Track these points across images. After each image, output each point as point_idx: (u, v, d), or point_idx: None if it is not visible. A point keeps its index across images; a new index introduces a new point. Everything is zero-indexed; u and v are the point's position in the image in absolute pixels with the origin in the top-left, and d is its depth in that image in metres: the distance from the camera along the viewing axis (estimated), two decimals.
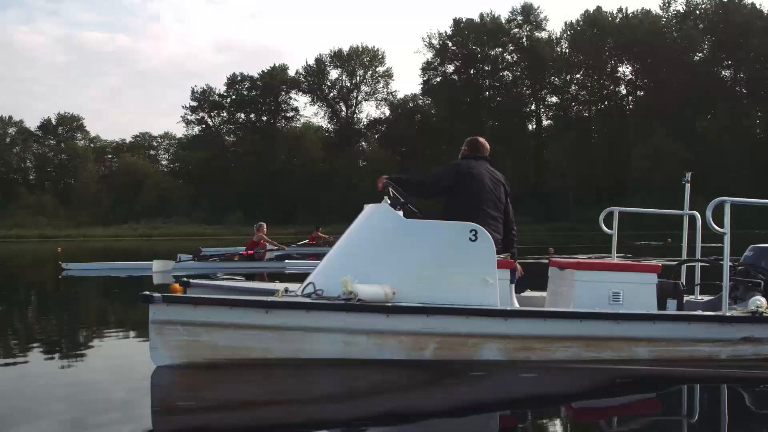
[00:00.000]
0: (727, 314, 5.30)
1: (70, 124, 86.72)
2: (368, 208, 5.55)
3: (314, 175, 73.41)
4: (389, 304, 4.91)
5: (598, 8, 71.00)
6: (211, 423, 3.93)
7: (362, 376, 4.85)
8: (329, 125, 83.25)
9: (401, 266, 5.15)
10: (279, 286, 6.02)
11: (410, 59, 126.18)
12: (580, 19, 71.81)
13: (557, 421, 4.08)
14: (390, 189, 5.59)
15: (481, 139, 6.09)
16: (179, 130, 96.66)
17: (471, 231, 5.15)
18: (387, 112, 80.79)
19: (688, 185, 6.89)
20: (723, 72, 68.87)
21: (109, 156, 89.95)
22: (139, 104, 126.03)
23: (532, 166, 70.20)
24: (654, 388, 4.86)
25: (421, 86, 78.34)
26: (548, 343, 5.09)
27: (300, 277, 6.42)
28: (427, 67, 76.35)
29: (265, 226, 17.05)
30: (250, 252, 16.15)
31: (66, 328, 7.77)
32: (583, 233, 41.84)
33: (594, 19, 70.32)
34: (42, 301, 11.32)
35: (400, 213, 5.36)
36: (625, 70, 71.70)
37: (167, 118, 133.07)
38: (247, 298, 5.04)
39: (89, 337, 6.92)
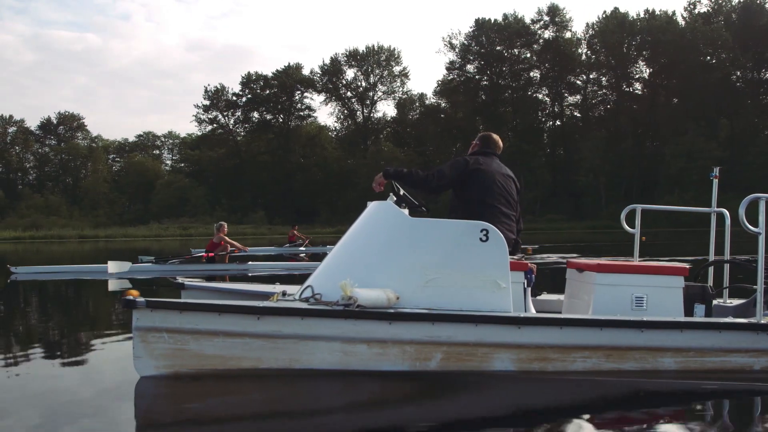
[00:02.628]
0: (762, 321, 4.87)
1: (70, 123, 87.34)
2: (371, 206, 5.17)
3: (332, 174, 73.41)
4: (391, 311, 4.54)
5: (616, 9, 71.51)
6: None
7: (362, 389, 4.50)
8: (344, 124, 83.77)
9: (405, 269, 4.77)
10: (277, 289, 5.66)
11: (422, 58, 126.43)
12: (601, 19, 72.09)
13: None
14: (394, 184, 5.20)
15: (495, 136, 5.71)
16: (183, 129, 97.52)
17: (482, 230, 4.76)
18: (405, 112, 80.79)
19: (715, 181, 6.45)
20: (748, 73, 68.34)
21: (112, 156, 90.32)
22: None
23: (561, 164, 69.93)
24: (680, 402, 4.44)
25: (438, 86, 79.07)
26: (565, 353, 4.69)
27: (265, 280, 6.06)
28: (451, 67, 76.79)
29: (225, 226, 16.03)
30: (210, 254, 15.32)
31: (46, 334, 7.37)
32: (617, 231, 41.36)
33: (620, 20, 70.30)
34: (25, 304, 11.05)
35: (405, 211, 4.97)
36: (651, 69, 71.25)
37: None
38: (237, 303, 4.67)
39: (70, 344, 6.58)
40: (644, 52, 70.29)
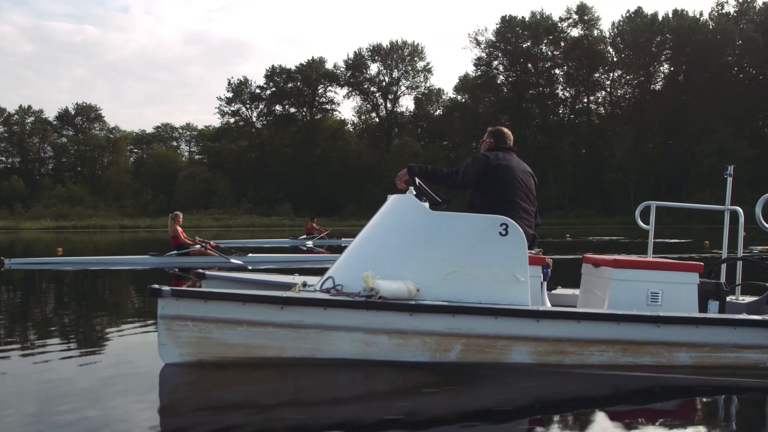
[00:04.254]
0: None
1: (87, 114, 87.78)
2: (392, 199, 5.23)
3: (355, 168, 74.37)
4: (413, 303, 4.60)
5: (639, 8, 72.54)
6: (221, 424, 3.67)
7: (382, 379, 4.57)
8: (361, 118, 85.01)
9: (426, 261, 4.84)
10: (297, 279, 5.73)
11: (440, 54, 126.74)
12: (625, 17, 72.96)
13: (587, 431, 3.74)
14: (416, 179, 5.27)
15: (505, 129, 5.76)
16: (201, 122, 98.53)
17: (501, 225, 4.83)
18: (423, 107, 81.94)
19: (730, 179, 6.50)
20: None
21: (130, 147, 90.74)
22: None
23: (590, 161, 70.72)
24: (695, 397, 4.51)
25: (459, 81, 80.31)
26: (583, 346, 4.76)
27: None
28: (478, 63, 77.78)
29: (181, 217, 15.16)
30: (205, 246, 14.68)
31: (67, 323, 7.48)
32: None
33: (648, 19, 71.06)
34: (43, 293, 11.13)
35: (426, 204, 5.03)
36: (678, 68, 71.38)
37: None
38: (261, 293, 4.75)
39: (94, 331, 6.67)
40: (666, 52, 70.84)
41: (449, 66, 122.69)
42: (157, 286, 4.51)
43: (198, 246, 14.65)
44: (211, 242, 15.05)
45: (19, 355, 5.31)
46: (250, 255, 15.53)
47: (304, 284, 5.21)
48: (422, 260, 4.84)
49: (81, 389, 4.25)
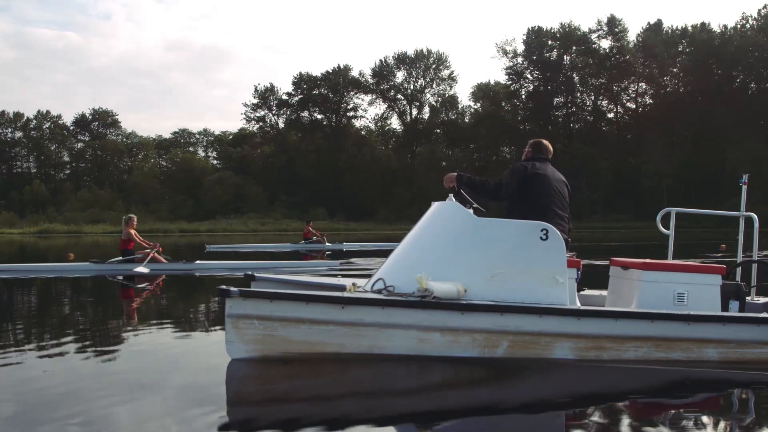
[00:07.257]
0: None
1: (104, 119, 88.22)
2: (437, 206, 5.58)
3: (384, 173, 75.70)
4: (464, 302, 4.94)
5: (659, 21, 74.50)
6: (285, 415, 3.99)
7: (435, 373, 4.90)
8: (382, 124, 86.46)
9: (472, 264, 5.18)
10: (345, 281, 6.06)
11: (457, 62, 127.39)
12: (644, 28, 74.78)
13: (625, 421, 4.03)
14: (459, 188, 5.61)
15: (545, 142, 6.14)
16: (218, 127, 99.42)
17: (542, 230, 5.18)
18: (440, 114, 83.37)
19: (744, 187, 6.88)
20: None
21: (146, 153, 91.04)
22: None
23: (622, 167, 71.74)
24: (722, 389, 4.88)
25: (475, 89, 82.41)
26: (620, 343, 5.12)
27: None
28: (510, 72, 79.04)
29: (135, 220, 14.55)
30: (153, 253, 14.05)
31: (140, 320, 7.85)
32: (682, 231, 42.12)
33: (679, 31, 72.94)
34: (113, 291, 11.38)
35: (471, 211, 5.39)
36: (708, 78, 72.23)
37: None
38: (323, 293, 5.08)
39: (164, 329, 6.97)
40: (686, 61, 72.21)
41: (461, 74, 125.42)
42: (225, 287, 4.84)
43: (148, 250, 14.07)
44: (159, 247, 14.34)
45: (89, 353, 5.61)
46: (197, 261, 15.08)
47: (354, 285, 5.54)
48: (468, 263, 5.19)
49: (154, 383, 4.59)
